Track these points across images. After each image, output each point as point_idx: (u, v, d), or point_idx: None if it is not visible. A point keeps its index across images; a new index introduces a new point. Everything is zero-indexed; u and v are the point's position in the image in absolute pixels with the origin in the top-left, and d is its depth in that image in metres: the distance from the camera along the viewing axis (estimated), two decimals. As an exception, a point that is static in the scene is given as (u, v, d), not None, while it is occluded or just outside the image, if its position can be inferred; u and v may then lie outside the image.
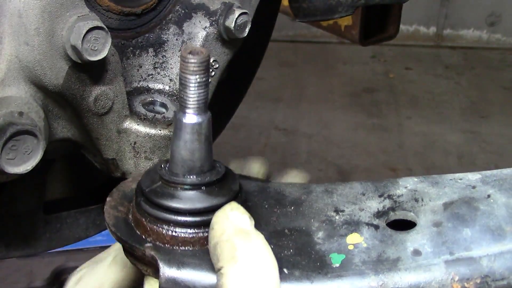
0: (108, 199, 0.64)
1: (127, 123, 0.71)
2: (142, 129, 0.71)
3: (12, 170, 0.57)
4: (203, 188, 0.58)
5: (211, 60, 0.81)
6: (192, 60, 0.54)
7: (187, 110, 0.56)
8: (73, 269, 0.72)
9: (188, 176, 0.58)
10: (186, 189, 0.58)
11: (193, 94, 0.55)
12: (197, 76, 0.54)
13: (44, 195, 0.85)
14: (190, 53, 0.54)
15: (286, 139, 3.43)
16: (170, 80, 0.80)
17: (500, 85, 4.16)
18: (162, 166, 0.60)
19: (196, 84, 0.55)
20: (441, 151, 3.33)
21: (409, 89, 4.10)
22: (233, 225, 0.55)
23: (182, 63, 0.54)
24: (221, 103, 0.80)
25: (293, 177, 0.80)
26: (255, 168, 0.82)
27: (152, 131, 0.72)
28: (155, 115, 0.74)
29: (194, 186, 0.58)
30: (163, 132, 0.72)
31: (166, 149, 0.73)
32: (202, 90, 0.55)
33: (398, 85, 4.18)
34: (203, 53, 0.54)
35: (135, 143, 0.71)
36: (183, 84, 0.55)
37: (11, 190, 0.82)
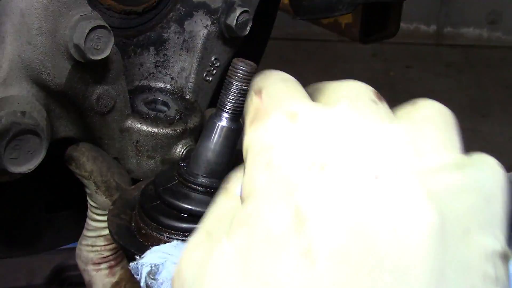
0: (110, 207, 0.64)
1: (129, 122, 0.71)
2: (144, 127, 0.71)
3: (15, 169, 0.57)
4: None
5: (213, 59, 0.82)
6: (243, 68, 0.56)
7: (224, 114, 0.58)
8: (73, 267, 0.72)
9: (208, 179, 0.58)
10: (202, 193, 0.58)
11: (233, 100, 0.57)
12: (243, 84, 0.57)
13: (46, 195, 0.86)
14: (242, 61, 0.57)
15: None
16: (172, 78, 0.80)
17: (500, 83, 4.16)
18: (181, 165, 0.60)
19: (239, 91, 0.57)
20: (441, 149, 3.33)
21: (409, 87, 4.10)
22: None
23: (232, 69, 0.57)
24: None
25: None
26: None
27: (154, 129, 0.72)
28: (157, 113, 0.74)
29: (212, 190, 0.58)
30: (165, 130, 0.72)
31: (168, 147, 0.73)
32: (243, 99, 0.57)
33: (398, 83, 4.17)
34: (253, 65, 0.57)
35: (137, 141, 0.72)
36: (226, 88, 0.57)
37: (13, 189, 0.82)
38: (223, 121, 0.58)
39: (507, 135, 3.45)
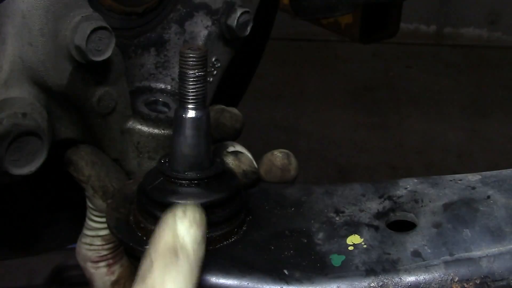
0: (109, 201, 0.64)
1: (130, 123, 0.71)
2: (145, 129, 0.72)
3: (17, 171, 0.57)
4: (204, 182, 0.59)
5: (213, 59, 0.82)
6: (191, 55, 0.56)
7: (187, 105, 0.58)
8: (73, 267, 0.73)
9: (188, 173, 0.59)
10: (186, 185, 0.59)
11: (192, 89, 0.57)
12: (196, 71, 0.57)
13: (46, 195, 0.86)
14: (189, 49, 0.56)
15: (285, 137, 3.43)
16: (172, 79, 0.80)
17: (500, 83, 4.15)
18: (163, 161, 0.61)
19: (195, 79, 0.57)
20: (441, 150, 3.33)
21: (409, 87, 4.10)
22: (170, 236, 0.49)
23: (181, 59, 0.57)
24: (221, 101, 0.80)
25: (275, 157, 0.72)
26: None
27: (155, 130, 0.72)
28: (157, 114, 0.74)
29: (195, 182, 0.59)
30: (166, 131, 0.72)
31: (169, 148, 0.73)
32: (201, 85, 0.57)
33: (398, 83, 4.17)
34: (201, 49, 0.57)
35: (138, 143, 0.72)
36: (182, 79, 0.57)
37: (13, 190, 0.82)
38: (188, 113, 0.58)
39: (507, 135, 3.45)
